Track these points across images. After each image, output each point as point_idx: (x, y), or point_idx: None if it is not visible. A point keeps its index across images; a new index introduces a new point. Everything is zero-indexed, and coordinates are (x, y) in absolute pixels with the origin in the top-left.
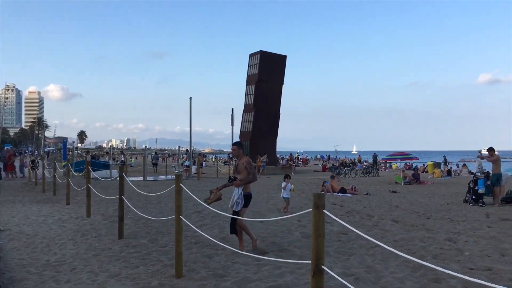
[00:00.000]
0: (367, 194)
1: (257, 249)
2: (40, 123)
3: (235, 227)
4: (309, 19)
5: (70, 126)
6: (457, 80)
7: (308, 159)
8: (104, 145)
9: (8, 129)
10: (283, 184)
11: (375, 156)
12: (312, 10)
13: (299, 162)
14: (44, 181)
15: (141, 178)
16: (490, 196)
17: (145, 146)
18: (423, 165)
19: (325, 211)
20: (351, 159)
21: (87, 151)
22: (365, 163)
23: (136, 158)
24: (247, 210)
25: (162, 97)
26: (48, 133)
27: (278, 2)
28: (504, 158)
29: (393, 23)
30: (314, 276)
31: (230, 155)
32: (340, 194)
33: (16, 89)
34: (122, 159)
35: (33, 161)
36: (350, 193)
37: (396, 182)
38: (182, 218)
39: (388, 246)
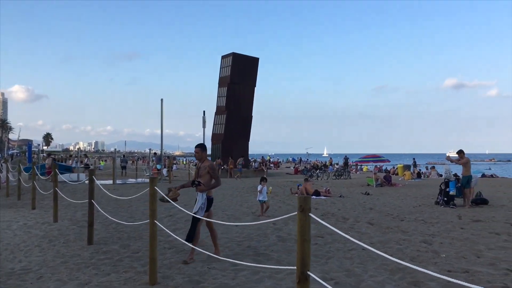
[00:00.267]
0: (340, 196)
1: (192, 259)
2: (3, 125)
3: (193, 235)
4: (281, 22)
5: (35, 128)
6: (423, 85)
7: (280, 162)
8: (71, 147)
9: None
10: (259, 187)
11: (346, 158)
12: (283, 13)
13: (271, 165)
14: (8, 185)
15: (109, 182)
16: (460, 198)
17: (115, 149)
18: (393, 167)
19: (311, 214)
20: (322, 162)
21: (48, 153)
22: (336, 166)
23: (105, 161)
24: (216, 213)
25: (132, 99)
26: (12, 136)
27: (251, 3)
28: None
29: (361, 27)
30: (299, 283)
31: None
32: (314, 196)
33: None
34: (87, 162)
35: None
36: (324, 196)
37: (368, 184)
38: (157, 222)
39: (365, 248)
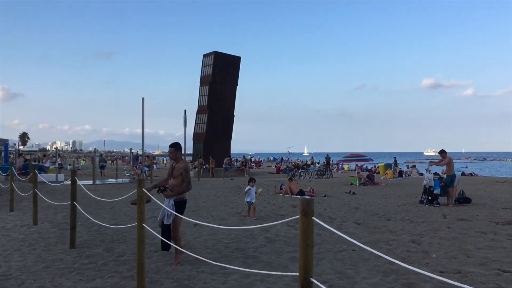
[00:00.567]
0: (325, 196)
1: (179, 263)
2: None
3: (168, 243)
4: (261, 22)
5: (11, 128)
6: (402, 84)
7: (261, 161)
8: (48, 147)
9: None
10: (247, 188)
11: (327, 157)
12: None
13: (252, 164)
14: None
15: (89, 182)
16: (444, 197)
17: (95, 149)
18: (375, 166)
19: (314, 218)
20: (303, 161)
21: (20, 153)
22: (317, 165)
23: (84, 160)
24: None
25: (110, 98)
26: None
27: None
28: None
29: (341, 27)
30: None
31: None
32: (298, 196)
33: None
34: (60, 162)
35: None
36: (309, 195)
37: (351, 183)
38: (145, 226)
39: (356, 249)
